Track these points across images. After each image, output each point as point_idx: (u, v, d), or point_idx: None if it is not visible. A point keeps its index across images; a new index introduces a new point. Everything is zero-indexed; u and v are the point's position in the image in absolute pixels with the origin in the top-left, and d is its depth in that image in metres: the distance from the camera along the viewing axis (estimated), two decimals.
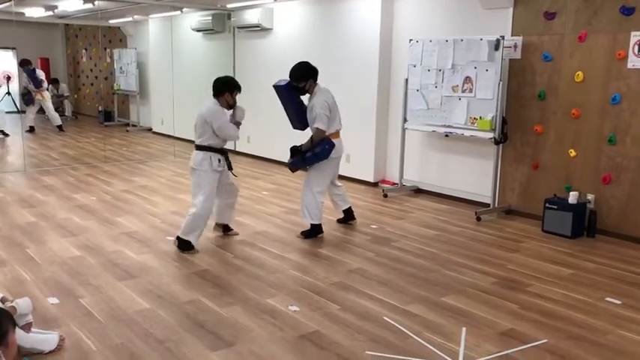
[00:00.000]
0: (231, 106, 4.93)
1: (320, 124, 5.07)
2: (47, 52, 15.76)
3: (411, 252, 5.00)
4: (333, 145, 5.16)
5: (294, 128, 5.46)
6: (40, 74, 12.38)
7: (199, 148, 4.86)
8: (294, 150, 5.23)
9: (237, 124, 4.99)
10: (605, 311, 3.82)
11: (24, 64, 12.16)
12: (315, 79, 5.21)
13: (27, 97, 12.27)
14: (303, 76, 5.16)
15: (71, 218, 5.85)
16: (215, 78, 4.96)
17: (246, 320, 3.57)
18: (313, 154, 5.13)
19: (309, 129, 5.31)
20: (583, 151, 5.66)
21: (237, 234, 5.39)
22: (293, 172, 5.44)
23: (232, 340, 3.31)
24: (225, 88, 4.86)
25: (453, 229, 5.76)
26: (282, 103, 5.39)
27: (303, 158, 5.19)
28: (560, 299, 4.00)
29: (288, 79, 5.22)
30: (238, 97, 4.98)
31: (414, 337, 3.38)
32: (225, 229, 5.38)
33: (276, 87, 5.31)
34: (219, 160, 4.89)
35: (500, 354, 3.20)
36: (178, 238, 4.90)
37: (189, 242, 4.86)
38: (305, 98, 5.35)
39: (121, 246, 5.00)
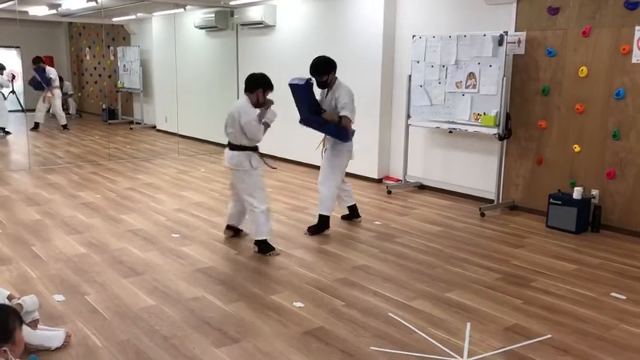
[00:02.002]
0: (261, 104, 4.74)
1: (348, 112, 5.14)
2: (51, 51, 15.78)
3: (415, 248, 5.00)
4: (352, 135, 5.28)
5: (301, 122, 5.36)
6: (50, 72, 12.41)
7: (234, 147, 4.72)
8: (318, 107, 5.17)
9: (266, 125, 4.77)
10: (610, 306, 3.82)
11: (36, 62, 12.19)
12: (335, 72, 5.27)
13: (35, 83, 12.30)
14: (328, 69, 5.21)
15: (76, 216, 5.88)
16: (249, 74, 4.78)
17: (251, 317, 3.58)
18: (337, 133, 5.19)
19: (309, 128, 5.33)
20: (587, 147, 5.64)
21: (247, 234, 5.24)
22: (301, 123, 5.27)
23: (237, 336, 3.32)
24: (261, 85, 4.68)
25: (457, 225, 5.76)
26: (297, 99, 5.27)
27: (323, 123, 5.16)
28: (565, 294, 4.00)
29: (306, 77, 5.14)
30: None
31: (419, 332, 3.39)
32: (236, 232, 5.25)
33: (294, 85, 5.17)
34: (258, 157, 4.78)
35: (504, 349, 3.21)
36: (257, 242, 4.80)
37: (265, 241, 4.78)
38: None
39: (125, 243, 5.02)
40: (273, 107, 4.84)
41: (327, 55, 5.37)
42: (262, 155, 4.86)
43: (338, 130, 5.20)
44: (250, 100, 4.70)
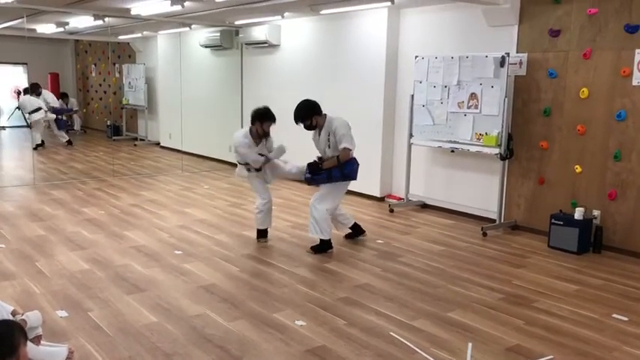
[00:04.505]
0: (261, 135, 5.43)
1: (347, 144, 5.14)
2: (57, 67, 15.95)
3: (417, 267, 5.01)
4: (358, 166, 5.26)
5: (307, 183, 5.51)
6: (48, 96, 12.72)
7: (239, 162, 5.65)
8: (314, 166, 5.28)
9: (267, 158, 5.47)
10: (612, 328, 3.82)
11: (34, 89, 12.36)
12: (319, 113, 5.28)
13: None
14: (307, 114, 5.25)
15: (80, 232, 5.91)
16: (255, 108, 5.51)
17: (253, 334, 3.59)
18: (342, 175, 5.21)
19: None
20: (588, 167, 5.67)
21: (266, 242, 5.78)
22: (310, 185, 5.63)
23: (239, 354, 3.33)
24: (256, 119, 5.38)
25: (459, 244, 5.77)
26: (332, 182, 5.29)
27: (329, 176, 5.22)
28: (567, 315, 4.00)
29: (306, 167, 5.33)
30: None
31: (421, 352, 3.39)
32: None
33: (309, 180, 5.38)
34: (249, 170, 5.56)
35: None
36: (258, 230, 5.69)
37: (265, 231, 5.69)
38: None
39: (129, 260, 5.04)
40: (276, 144, 5.55)
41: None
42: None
43: (341, 170, 5.18)
44: (251, 131, 5.44)
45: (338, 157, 5.18)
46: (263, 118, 5.34)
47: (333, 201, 5.36)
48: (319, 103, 5.30)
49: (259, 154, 5.44)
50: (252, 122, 5.40)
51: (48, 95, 12.84)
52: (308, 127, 5.32)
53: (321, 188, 5.40)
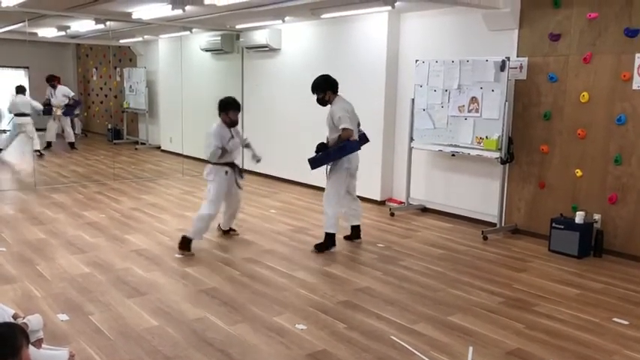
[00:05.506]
0: (230, 124, 5.50)
1: (345, 124, 5.23)
2: (58, 71, 15.90)
3: (417, 271, 5.01)
4: (356, 145, 5.31)
5: (312, 167, 5.48)
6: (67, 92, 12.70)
7: (209, 162, 5.52)
8: (322, 146, 5.38)
9: (223, 149, 5.43)
10: (612, 331, 3.82)
11: (51, 80, 12.38)
12: (334, 91, 5.43)
13: (47, 108, 12.38)
14: (320, 87, 5.41)
15: (81, 235, 5.91)
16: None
17: (254, 338, 3.59)
18: (339, 149, 5.28)
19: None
20: (589, 171, 5.68)
21: (237, 234, 6.02)
22: (312, 169, 5.49)
23: (240, 358, 3.33)
24: (221, 109, 5.52)
25: (460, 248, 5.78)
26: (330, 159, 5.39)
27: (327, 154, 5.33)
28: (567, 319, 4.00)
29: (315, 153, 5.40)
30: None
31: (421, 356, 3.39)
32: (226, 232, 6.04)
33: (312, 161, 5.42)
34: (226, 172, 5.46)
35: None
36: (183, 236, 5.39)
37: (190, 241, 5.33)
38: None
39: (129, 263, 5.04)
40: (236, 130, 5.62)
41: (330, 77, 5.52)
42: (239, 170, 5.66)
43: (340, 148, 5.27)
44: (223, 121, 5.50)
45: (339, 137, 5.29)
46: (227, 107, 5.49)
47: (336, 189, 5.46)
48: (338, 84, 5.45)
49: (223, 148, 5.38)
50: (219, 113, 5.52)
51: (64, 89, 12.76)
52: (320, 101, 5.46)
53: (326, 186, 5.53)
